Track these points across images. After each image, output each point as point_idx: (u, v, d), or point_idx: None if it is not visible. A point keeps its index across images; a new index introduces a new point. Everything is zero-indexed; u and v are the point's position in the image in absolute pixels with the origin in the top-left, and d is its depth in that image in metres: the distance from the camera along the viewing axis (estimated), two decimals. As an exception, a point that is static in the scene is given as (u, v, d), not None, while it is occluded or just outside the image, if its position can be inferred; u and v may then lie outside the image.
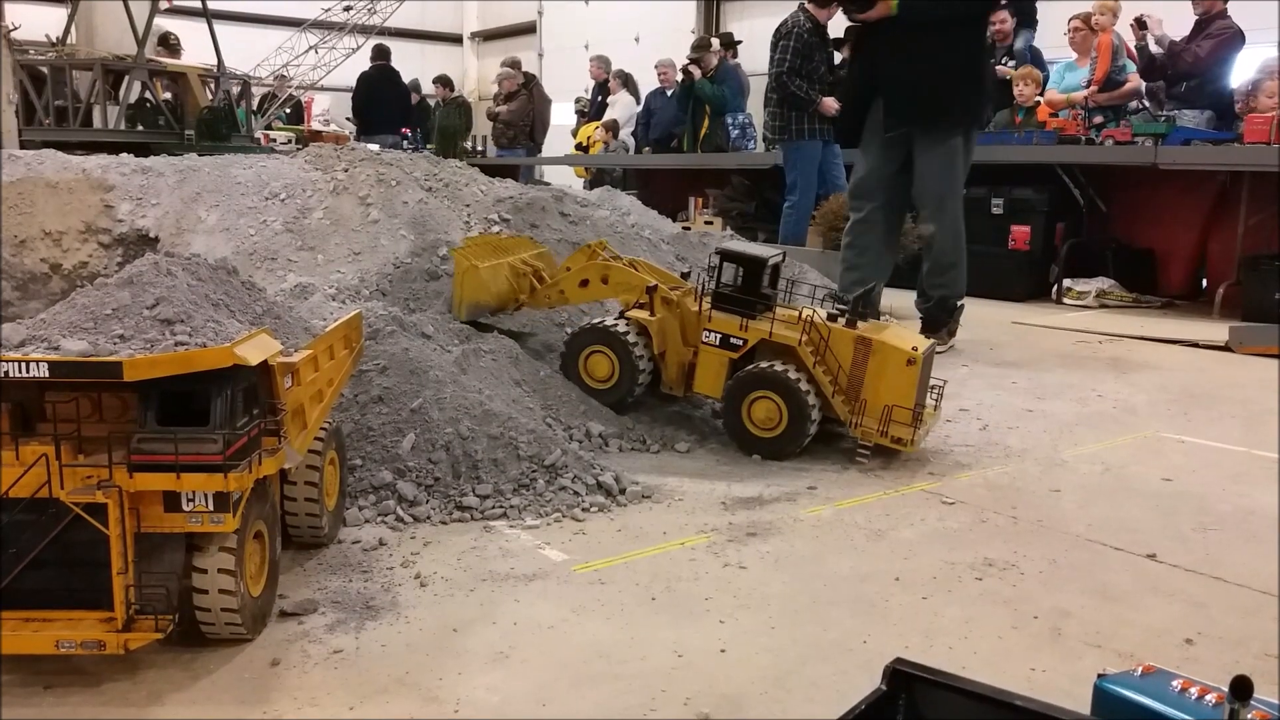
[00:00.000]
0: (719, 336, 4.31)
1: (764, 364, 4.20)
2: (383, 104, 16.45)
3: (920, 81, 5.93)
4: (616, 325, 4.46)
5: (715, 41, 12.99)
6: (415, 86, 17.91)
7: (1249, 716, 1.36)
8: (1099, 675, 1.55)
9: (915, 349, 4.12)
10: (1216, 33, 8.94)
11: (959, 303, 6.57)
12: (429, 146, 15.54)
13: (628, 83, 15.11)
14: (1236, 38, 8.95)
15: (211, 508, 2.32)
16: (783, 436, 4.17)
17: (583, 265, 4.71)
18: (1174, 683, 1.50)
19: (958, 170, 6.21)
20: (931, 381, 4.30)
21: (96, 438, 2.34)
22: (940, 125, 6.03)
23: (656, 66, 13.92)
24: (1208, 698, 1.45)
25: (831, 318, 4.24)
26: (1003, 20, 10.69)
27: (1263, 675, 2.51)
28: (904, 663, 1.55)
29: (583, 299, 4.82)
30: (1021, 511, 3.67)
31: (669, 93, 13.52)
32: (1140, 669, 1.55)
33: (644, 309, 4.51)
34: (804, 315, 4.21)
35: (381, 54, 16.16)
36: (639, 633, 2.69)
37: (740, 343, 4.27)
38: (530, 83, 16.24)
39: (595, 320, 4.61)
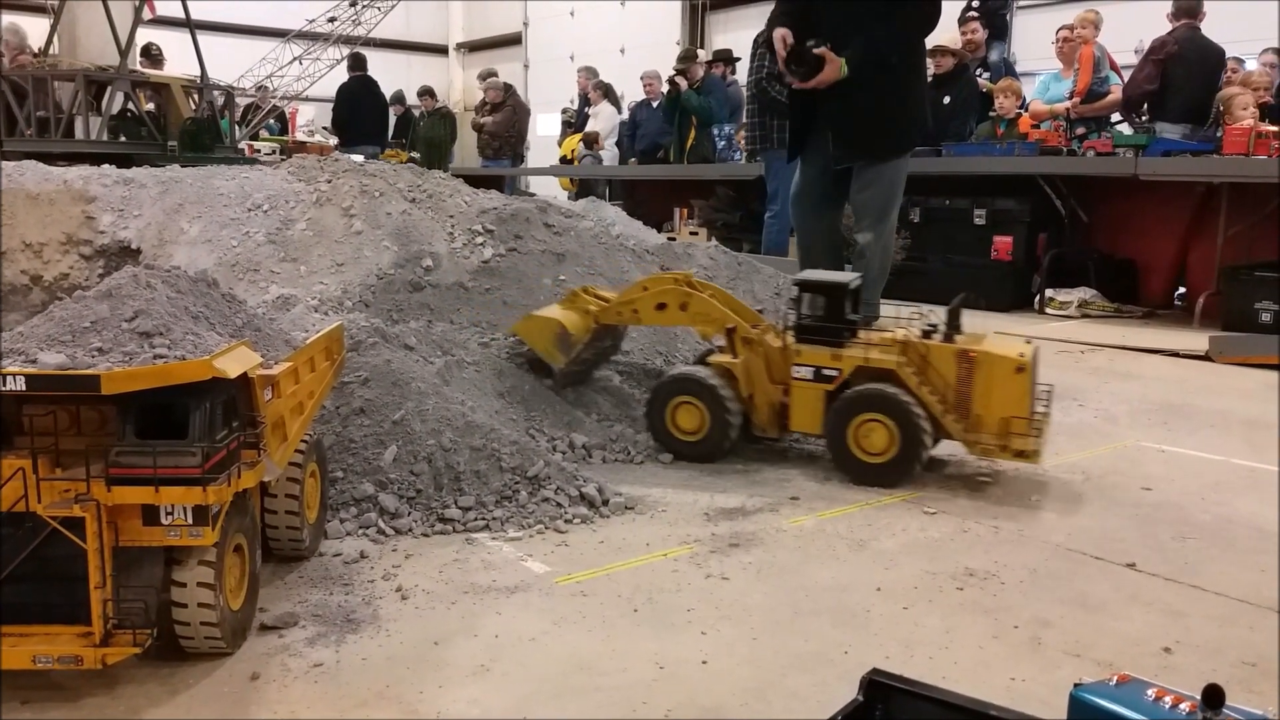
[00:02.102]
0: (811, 370, 4.13)
1: (867, 386, 4.01)
2: (364, 115, 16.44)
3: (870, 119, 6.06)
4: (701, 373, 4.28)
5: (701, 53, 13.06)
6: (400, 98, 17.91)
7: (1220, 725, 1.37)
8: (1075, 685, 1.57)
9: (1023, 355, 3.94)
10: (1152, 49, 9.15)
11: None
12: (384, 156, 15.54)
13: (608, 93, 15.16)
14: (1162, 48, 9.14)
15: (190, 521, 2.31)
16: (897, 460, 3.97)
17: (662, 288, 4.53)
18: (1148, 691, 1.51)
19: (899, 190, 6.41)
20: (1039, 385, 4.07)
21: (74, 451, 2.33)
22: (887, 156, 6.25)
23: (642, 78, 13.97)
24: (1181, 706, 1.47)
25: (926, 334, 4.08)
26: (974, 31, 10.79)
27: (1240, 683, 2.53)
28: (880, 673, 1.56)
29: (655, 321, 4.66)
30: (1002, 521, 3.69)
31: (655, 104, 13.58)
32: (1115, 678, 1.56)
33: (725, 352, 4.35)
34: (898, 336, 4.07)
35: (359, 63, 16.05)
36: (620, 645, 2.68)
37: (835, 373, 4.09)
38: (509, 93, 16.31)
39: (677, 371, 4.49)
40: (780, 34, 5.94)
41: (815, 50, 5.79)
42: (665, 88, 12.96)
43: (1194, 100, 9.11)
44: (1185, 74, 9.15)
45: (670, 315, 4.53)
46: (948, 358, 3.98)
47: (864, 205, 6.22)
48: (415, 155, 15.87)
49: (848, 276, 4.26)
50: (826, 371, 4.11)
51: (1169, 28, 9.29)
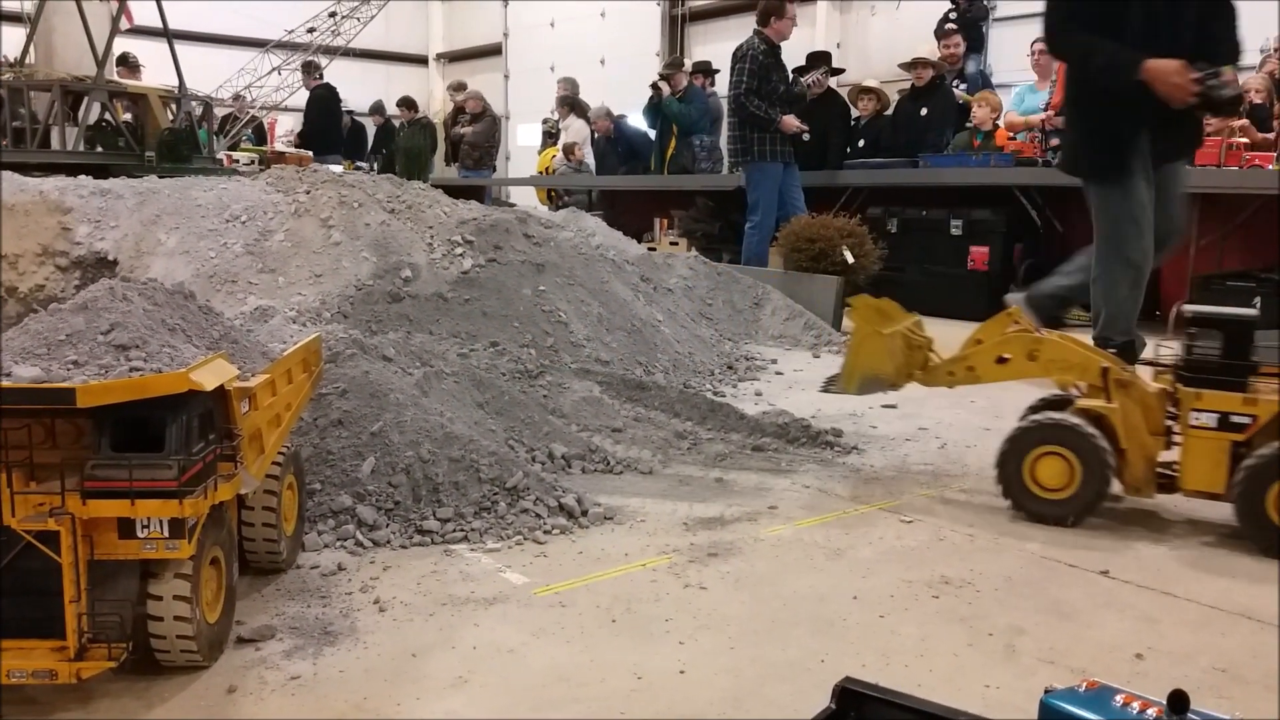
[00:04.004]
0: (1215, 417, 3.56)
1: None
2: (337, 124, 16.36)
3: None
4: (1072, 420, 3.74)
5: (688, 63, 13.16)
6: (379, 108, 17.91)
7: (1185, 729, 1.40)
8: (1045, 691, 1.59)
9: None
10: None
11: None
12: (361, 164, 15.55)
13: (575, 107, 15.21)
14: None
15: (167, 534, 2.31)
16: None
17: (1001, 337, 3.98)
18: (1116, 698, 1.54)
19: None
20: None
21: (49, 464, 2.32)
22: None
23: (590, 119, 14.22)
24: (1149, 711, 1.49)
25: None
26: (956, 45, 10.91)
27: (1211, 689, 2.56)
28: (853, 681, 1.58)
29: (1000, 378, 4.05)
30: (978, 529, 3.72)
31: (612, 137, 13.92)
32: (1084, 684, 1.58)
33: (1095, 397, 3.80)
34: None
35: (318, 70, 15.60)
36: (599, 655, 2.69)
37: (1248, 420, 3.51)
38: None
39: (1039, 417, 3.87)
40: (1175, 65, 4.88)
41: (1225, 79, 4.91)
42: (612, 125, 13.64)
43: None
44: None
45: (1017, 368, 3.95)
46: None
47: (1177, 228, 5.39)
48: (360, 165, 15.85)
49: (1248, 310, 3.70)
50: (1236, 418, 3.54)
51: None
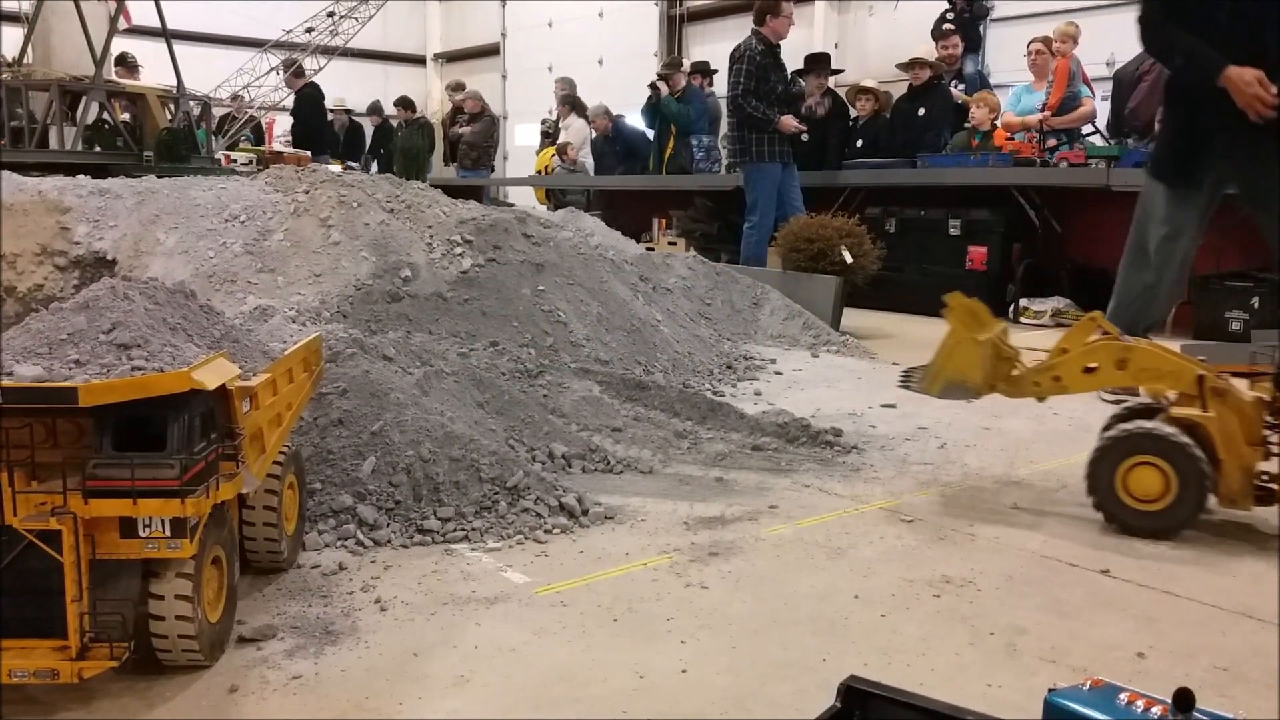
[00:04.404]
0: None
1: None
2: (326, 123, 16.30)
3: None
4: (1166, 429, 3.61)
5: (687, 63, 13.18)
6: (377, 108, 17.90)
7: (1191, 727, 1.40)
8: (1049, 690, 1.59)
9: None
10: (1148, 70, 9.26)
11: None
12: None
13: (575, 106, 15.22)
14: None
15: (168, 533, 2.30)
16: None
17: (1088, 346, 3.85)
18: (1121, 696, 1.54)
19: None
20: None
21: (51, 464, 2.31)
22: None
23: (589, 117, 14.24)
24: (1153, 710, 1.49)
25: None
26: (953, 45, 10.93)
27: (1212, 688, 2.56)
28: (858, 680, 1.58)
29: (1088, 387, 3.94)
30: (979, 529, 3.72)
31: (610, 136, 13.97)
32: (1088, 683, 1.59)
33: (1188, 405, 3.66)
34: None
35: (301, 70, 15.45)
36: (600, 655, 2.69)
37: None
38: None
39: (1131, 426, 3.71)
40: (1254, 75, 4.66)
41: None
42: (611, 124, 13.76)
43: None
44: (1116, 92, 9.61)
45: (1105, 376, 3.83)
46: None
47: None
48: (352, 165, 15.81)
49: None
50: None
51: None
